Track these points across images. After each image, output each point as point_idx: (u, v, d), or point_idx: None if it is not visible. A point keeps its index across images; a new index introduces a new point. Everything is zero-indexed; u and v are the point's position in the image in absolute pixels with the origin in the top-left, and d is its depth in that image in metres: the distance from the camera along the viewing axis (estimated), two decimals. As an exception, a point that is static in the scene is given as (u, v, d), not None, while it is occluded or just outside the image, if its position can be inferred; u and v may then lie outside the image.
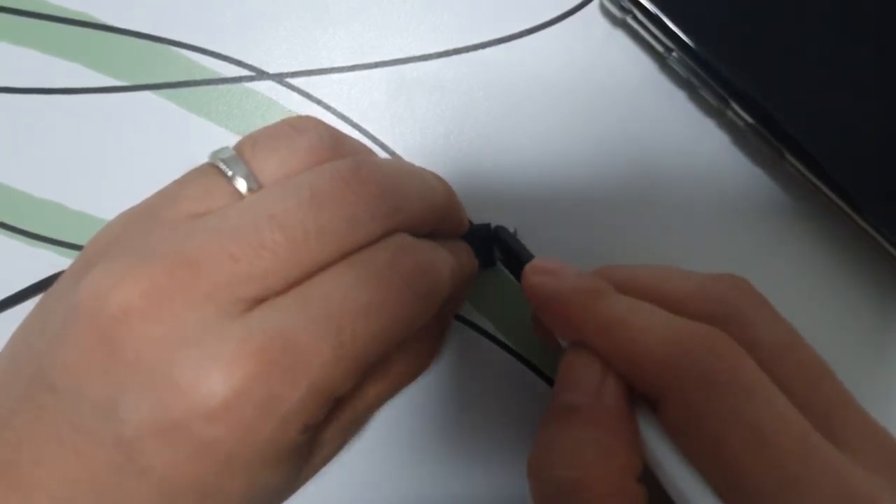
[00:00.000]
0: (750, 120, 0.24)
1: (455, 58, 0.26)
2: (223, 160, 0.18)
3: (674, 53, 0.24)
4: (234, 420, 0.15)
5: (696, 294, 0.19)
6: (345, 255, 0.17)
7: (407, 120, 0.26)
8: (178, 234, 0.17)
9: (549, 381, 0.26)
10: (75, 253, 0.26)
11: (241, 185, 0.18)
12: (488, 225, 0.25)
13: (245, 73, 0.26)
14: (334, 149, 0.19)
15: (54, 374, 0.16)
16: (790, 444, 0.15)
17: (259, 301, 0.16)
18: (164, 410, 0.15)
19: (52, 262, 0.26)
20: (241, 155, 0.18)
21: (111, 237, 0.18)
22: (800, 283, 0.26)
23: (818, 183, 0.24)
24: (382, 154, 0.26)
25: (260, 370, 0.15)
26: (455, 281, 0.20)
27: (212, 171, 0.18)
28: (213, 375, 0.15)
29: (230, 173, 0.18)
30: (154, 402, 0.15)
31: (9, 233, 0.26)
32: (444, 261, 0.19)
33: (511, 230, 0.25)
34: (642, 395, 0.18)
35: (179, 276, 0.16)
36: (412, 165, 0.21)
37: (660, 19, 0.24)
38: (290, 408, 0.16)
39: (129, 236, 0.18)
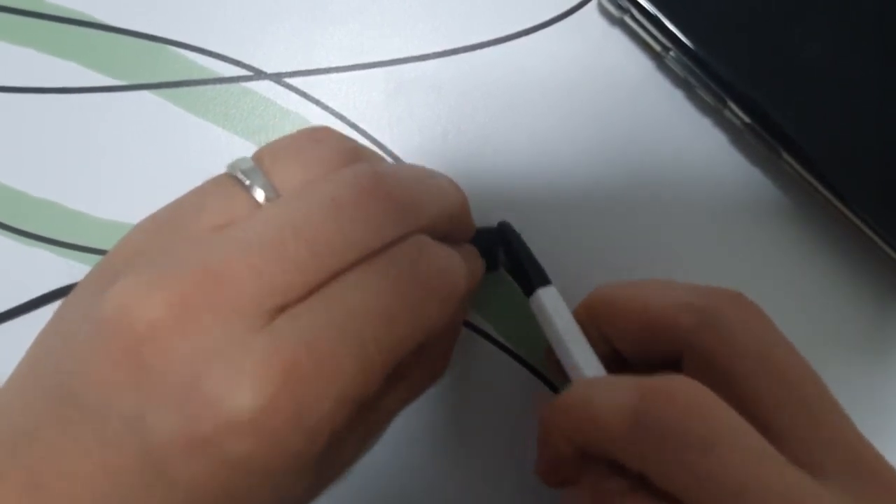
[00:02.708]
0: (747, 119, 0.24)
1: (453, 58, 0.26)
2: (242, 171, 0.18)
3: (671, 52, 0.24)
4: (263, 434, 0.15)
5: (683, 307, 0.19)
6: (365, 258, 0.17)
7: (405, 120, 0.26)
8: (202, 247, 0.17)
9: (550, 384, 0.26)
10: (72, 253, 0.26)
11: (260, 195, 0.18)
12: (493, 228, 0.24)
13: (243, 72, 0.26)
14: (352, 159, 0.19)
15: (80, 388, 0.16)
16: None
17: (282, 309, 0.16)
18: (193, 425, 0.15)
19: (48, 261, 0.26)
20: (260, 166, 0.18)
21: (133, 249, 0.18)
22: (796, 282, 0.26)
23: (815, 182, 0.24)
24: (384, 156, 0.26)
25: (287, 383, 0.15)
26: (468, 283, 0.20)
27: (230, 181, 0.18)
28: (242, 390, 0.15)
29: (249, 183, 0.18)
30: (183, 417, 0.15)
31: (5, 232, 0.26)
32: (460, 262, 0.19)
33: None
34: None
35: (205, 291, 0.16)
36: (427, 170, 0.21)
37: (657, 18, 0.24)
38: (318, 419, 0.16)
39: (151, 249, 0.18)
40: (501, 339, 0.26)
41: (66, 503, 0.16)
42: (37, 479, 0.16)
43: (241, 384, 0.15)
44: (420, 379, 0.22)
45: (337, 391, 0.16)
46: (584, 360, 0.20)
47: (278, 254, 0.16)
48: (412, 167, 0.20)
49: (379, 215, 0.17)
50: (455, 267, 0.19)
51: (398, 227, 0.18)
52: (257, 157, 0.19)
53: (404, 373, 0.20)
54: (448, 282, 0.18)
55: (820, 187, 0.24)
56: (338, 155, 0.19)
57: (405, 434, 0.25)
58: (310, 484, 0.18)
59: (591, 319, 0.22)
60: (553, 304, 0.22)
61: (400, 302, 0.17)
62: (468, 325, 0.26)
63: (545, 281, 0.22)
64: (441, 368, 0.23)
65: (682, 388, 0.17)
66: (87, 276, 0.19)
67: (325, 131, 0.20)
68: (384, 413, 0.21)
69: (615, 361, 0.22)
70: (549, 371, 0.26)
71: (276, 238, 0.16)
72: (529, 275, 0.23)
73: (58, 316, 0.19)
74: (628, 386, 0.18)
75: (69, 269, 0.26)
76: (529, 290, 0.22)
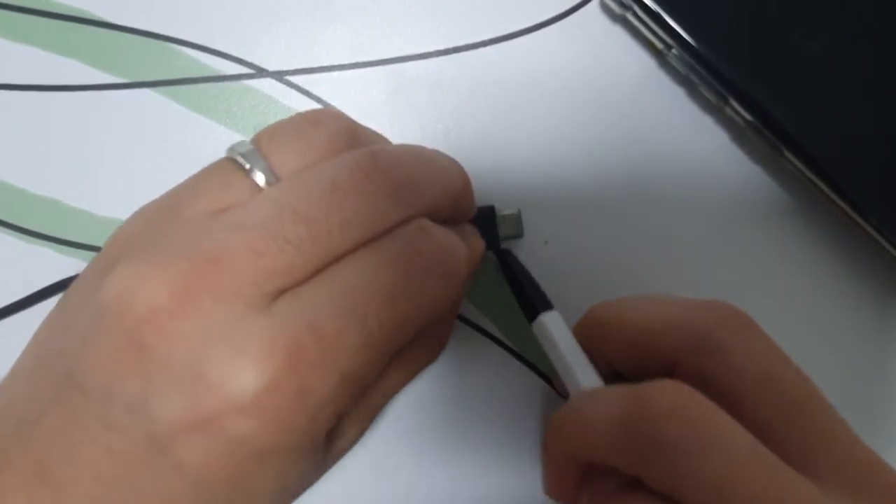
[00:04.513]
0: (748, 117, 0.24)
1: (455, 56, 0.26)
2: (241, 154, 0.18)
3: (673, 50, 0.24)
4: (266, 414, 0.16)
5: (675, 327, 0.19)
6: (366, 242, 0.17)
7: (406, 118, 0.26)
8: (201, 230, 0.17)
9: (549, 381, 0.26)
10: (73, 251, 0.26)
11: (260, 178, 0.18)
12: (492, 207, 0.25)
13: (245, 70, 0.26)
14: (351, 140, 0.19)
15: (84, 375, 0.16)
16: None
17: (283, 291, 0.16)
18: (197, 407, 0.15)
19: (49, 259, 0.26)
20: (259, 149, 0.18)
21: (131, 235, 0.18)
22: (797, 282, 0.26)
23: (816, 181, 0.24)
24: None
25: (290, 363, 0.16)
26: (469, 264, 0.20)
27: (230, 165, 0.18)
28: (244, 371, 0.15)
29: (248, 167, 0.18)
30: (186, 399, 0.16)
31: (6, 229, 0.26)
32: (459, 244, 0.19)
33: (514, 211, 0.25)
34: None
35: (205, 274, 0.16)
36: (428, 150, 0.21)
37: (659, 16, 0.24)
38: (320, 399, 0.16)
39: (150, 234, 0.18)
40: (506, 341, 0.26)
41: (71, 487, 0.16)
42: (43, 464, 0.16)
43: (242, 365, 0.15)
44: (419, 358, 0.22)
45: (339, 371, 0.16)
46: (587, 381, 0.21)
47: (278, 236, 0.16)
48: (414, 148, 0.20)
49: (378, 197, 0.17)
50: (454, 246, 0.19)
51: (398, 208, 0.18)
52: (256, 141, 0.19)
53: (405, 353, 0.20)
54: (448, 261, 0.18)
55: (821, 185, 0.24)
56: (337, 137, 0.19)
57: (404, 432, 0.25)
58: (314, 462, 0.18)
59: (587, 340, 0.22)
60: (555, 328, 0.22)
61: (401, 281, 0.17)
62: (468, 322, 0.26)
63: (547, 306, 0.22)
64: (440, 347, 0.23)
65: (667, 392, 0.17)
66: (89, 265, 0.19)
67: (324, 113, 0.20)
68: (384, 393, 0.21)
69: (617, 379, 0.22)
70: (558, 390, 0.25)
71: (275, 221, 0.16)
72: (532, 300, 0.23)
73: (61, 304, 0.19)
74: (617, 394, 0.18)
75: (70, 267, 0.26)
76: (532, 315, 0.23)
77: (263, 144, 0.18)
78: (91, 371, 0.16)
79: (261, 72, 0.26)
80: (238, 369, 0.15)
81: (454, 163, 0.21)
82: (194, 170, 0.19)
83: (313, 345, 0.16)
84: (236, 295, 0.16)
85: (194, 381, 0.16)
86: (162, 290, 0.16)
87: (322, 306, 0.16)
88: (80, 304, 0.18)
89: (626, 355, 0.21)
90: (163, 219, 0.18)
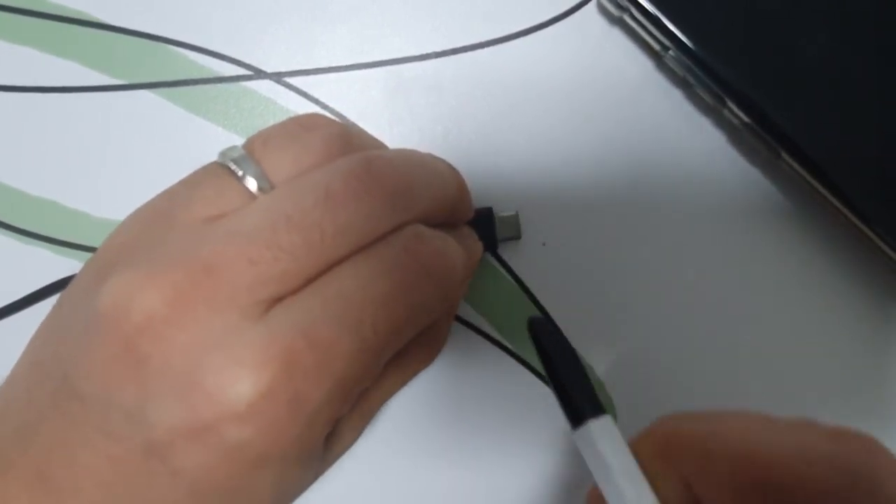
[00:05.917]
0: (746, 119, 0.24)
1: (453, 57, 0.26)
2: (233, 160, 0.18)
3: (670, 52, 0.24)
4: (263, 421, 0.16)
5: (816, 460, 0.16)
6: (360, 249, 0.17)
7: (405, 119, 0.26)
8: (196, 239, 0.17)
9: (547, 382, 0.26)
10: (71, 252, 0.26)
11: (253, 185, 0.18)
12: (490, 209, 0.25)
13: (243, 72, 0.26)
14: (345, 145, 0.19)
15: (81, 382, 0.16)
16: None
17: (278, 300, 0.16)
18: (193, 414, 0.16)
19: (47, 260, 0.26)
20: (252, 154, 0.18)
21: (126, 241, 0.18)
22: (794, 283, 0.26)
23: (813, 182, 0.24)
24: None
25: (284, 371, 0.16)
26: (465, 267, 0.20)
27: (222, 171, 0.18)
28: (240, 379, 0.15)
29: (241, 173, 0.18)
30: (183, 407, 0.16)
31: (4, 230, 0.26)
32: (456, 248, 0.19)
33: (513, 213, 0.25)
34: None
35: (200, 282, 0.16)
36: (423, 155, 0.21)
37: (656, 17, 0.24)
38: (316, 405, 0.16)
39: (145, 241, 0.18)
40: (503, 341, 0.26)
41: (70, 492, 0.16)
42: (42, 470, 0.16)
43: (238, 374, 0.15)
44: (416, 361, 0.22)
45: (335, 377, 0.16)
46: None
47: (272, 244, 0.16)
48: (408, 152, 0.20)
49: (373, 203, 0.17)
50: (450, 250, 0.19)
51: (392, 214, 0.18)
52: (249, 145, 0.19)
53: (401, 356, 0.20)
54: (444, 265, 0.18)
55: (819, 187, 0.24)
56: (331, 142, 0.19)
57: (401, 433, 0.25)
58: (311, 467, 0.18)
59: (666, 461, 0.17)
60: (608, 443, 0.16)
61: (396, 287, 0.17)
62: (466, 323, 0.26)
63: (598, 409, 0.17)
64: (436, 351, 0.23)
65: None
66: (84, 270, 0.19)
67: (318, 118, 0.20)
68: (381, 396, 0.21)
69: None
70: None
71: (269, 228, 0.16)
72: (576, 400, 0.17)
73: (56, 310, 0.19)
74: None
75: (67, 268, 0.26)
76: (576, 418, 0.17)
77: (257, 149, 0.18)
78: (88, 378, 0.16)
79: (259, 73, 0.26)
80: (234, 377, 0.15)
81: (449, 167, 0.21)
82: (192, 171, 0.19)
83: (308, 352, 0.16)
84: (231, 303, 0.16)
85: (191, 389, 0.16)
86: (157, 299, 0.16)
87: (316, 314, 0.16)
88: (75, 308, 0.18)
89: (733, 489, 0.16)
90: (157, 225, 0.18)
